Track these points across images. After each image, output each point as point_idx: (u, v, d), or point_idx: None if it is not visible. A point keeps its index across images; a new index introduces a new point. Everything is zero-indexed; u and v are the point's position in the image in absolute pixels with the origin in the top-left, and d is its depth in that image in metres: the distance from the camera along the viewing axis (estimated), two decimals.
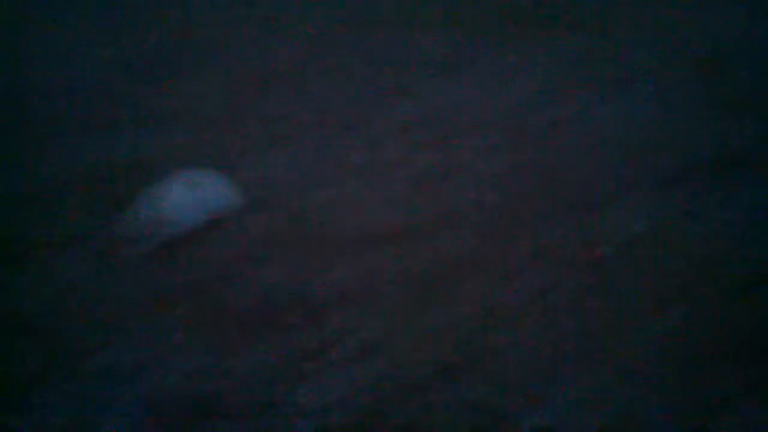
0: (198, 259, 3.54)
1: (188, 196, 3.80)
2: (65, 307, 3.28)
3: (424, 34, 6.52)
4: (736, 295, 3.20)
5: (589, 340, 3.02)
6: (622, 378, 2.83)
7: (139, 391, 2.83)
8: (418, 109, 5.19)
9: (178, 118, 5.15)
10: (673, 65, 5.92)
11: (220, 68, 5.83)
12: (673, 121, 4.98)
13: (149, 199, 3.81)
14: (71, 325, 3.16)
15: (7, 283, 3.52)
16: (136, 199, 3.89)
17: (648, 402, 2.72)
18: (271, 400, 2.77)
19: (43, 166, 4.64)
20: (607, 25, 6.66)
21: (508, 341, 3.03)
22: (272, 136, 4.91)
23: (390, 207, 3.97)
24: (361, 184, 4.25)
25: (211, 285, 3.36)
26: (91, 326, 3.14)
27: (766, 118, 4.95)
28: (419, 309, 3.18)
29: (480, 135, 4.75)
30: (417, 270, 3.43)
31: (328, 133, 4.95)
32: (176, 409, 2.71)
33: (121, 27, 6.55)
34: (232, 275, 3.41)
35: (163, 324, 3.13)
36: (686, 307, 3.14)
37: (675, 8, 6.92)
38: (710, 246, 3.54)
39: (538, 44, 6.38)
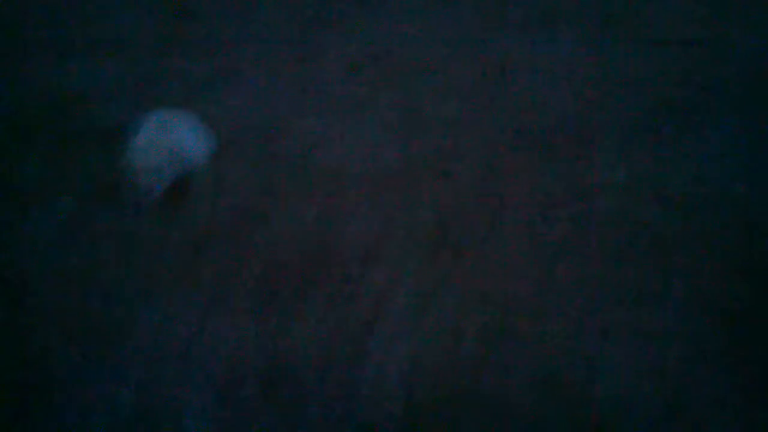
0: (194, 214, 3.25)
1: (163, 143, 3.43)
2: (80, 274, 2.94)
3: None
4: None
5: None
6: None
7: (215, 369, 2.56)
8: (361, 47, 4.97)
9: (116, 47, 4.74)
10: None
11: None
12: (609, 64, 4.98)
13: (124, 147, 3.45)
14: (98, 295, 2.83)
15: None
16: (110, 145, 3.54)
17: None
18: (351, 365, 2.59)
19: None
20: None
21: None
22: (220, 70, 4.59)
23: (370, 151, 3.73)
24: (331, 124, 3.98)
25: (223, 246, 3.07)
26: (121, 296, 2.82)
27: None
28: (451, 259, 3.03)
29: (435, 78, 4.58)
30: (432, 220, 3.24)
31: (277, 68, 4.65)
32: (256, 384, 2.51)
33: None
34: (239, 233, 3.12)
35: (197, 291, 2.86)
36: None
37: None
38: None
39: None
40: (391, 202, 3.31)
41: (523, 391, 2.50)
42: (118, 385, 2.52)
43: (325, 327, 2.68)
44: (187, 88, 4.31)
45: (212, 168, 3.46)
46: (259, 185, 3.41)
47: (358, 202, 3.31)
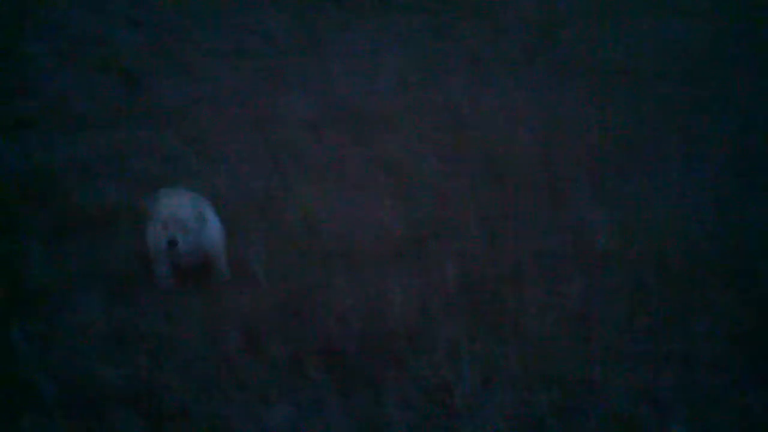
0: (231, 301, 3.14)
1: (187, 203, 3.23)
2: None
3: (260, 12, 6.09)
4: None
5: None
6: None
7: None
8: (322, 101, 4.85)
9: (73, 122, 4.52)
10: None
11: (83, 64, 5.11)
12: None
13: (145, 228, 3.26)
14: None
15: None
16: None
17: None
18: None
19: None
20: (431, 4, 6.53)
21: None
22: (185, 139, 4.42)
23: (373, 218, 3.72)
24: (317, 188, 3.93)
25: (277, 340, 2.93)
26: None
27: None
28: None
29: (402, 130, 4.53)
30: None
31: (240, 132, 4.54)
32: None
33: None
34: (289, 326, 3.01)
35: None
36: None
37: None
38: None
39: (378, 24, 6.16)
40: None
41: None
42: None
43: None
44: (160, 161, 4.17)
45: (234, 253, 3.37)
46: (286, 271, 3.32)
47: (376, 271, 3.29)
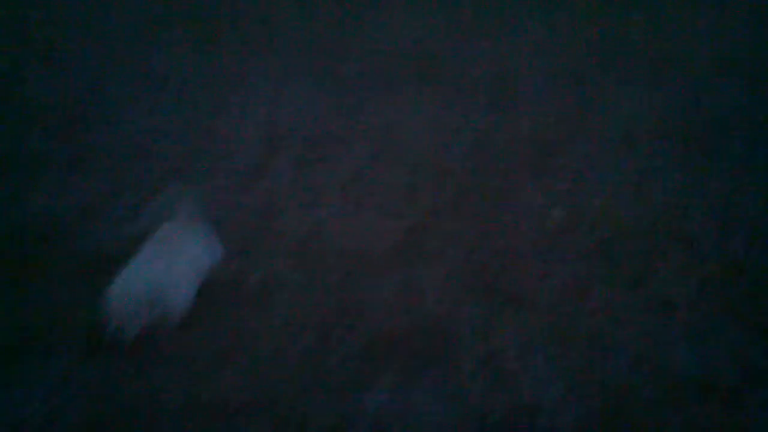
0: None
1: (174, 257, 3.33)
2: None
3: (165, 53, 6.21)
4: None
5: None
6: None
7: None
8: (267, 127, 5.06)
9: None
10: None
11: None
12: None
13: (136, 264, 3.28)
14: None
15: None
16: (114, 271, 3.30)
17: None
18: None
19: None
20: None
21: None
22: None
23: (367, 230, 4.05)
24: (307, 211, 4.21)
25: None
26: None
27: None
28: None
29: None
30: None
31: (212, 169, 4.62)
32: None
33: None
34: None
35: None
36: None
37: None
38: None
39: (277, 60, 6.43)
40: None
41: None
42: None
43: None
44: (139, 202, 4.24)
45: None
46: (309, 281, 3.60)
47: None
